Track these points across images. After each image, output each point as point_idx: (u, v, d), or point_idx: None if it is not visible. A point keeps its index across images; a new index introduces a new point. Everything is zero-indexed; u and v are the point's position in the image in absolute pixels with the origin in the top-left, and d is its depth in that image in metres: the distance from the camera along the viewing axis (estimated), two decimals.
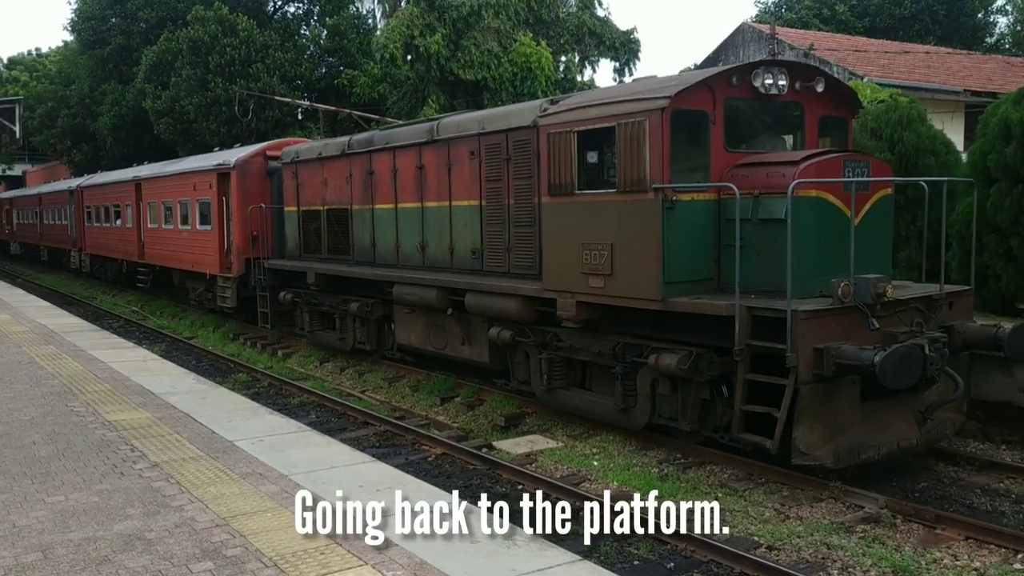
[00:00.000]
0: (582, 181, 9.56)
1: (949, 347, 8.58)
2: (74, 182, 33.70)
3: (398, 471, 6.75)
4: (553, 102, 10.40)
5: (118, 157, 38.51)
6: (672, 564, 6.80)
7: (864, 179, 8.55)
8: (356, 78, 32.79)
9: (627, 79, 33.44)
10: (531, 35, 30.23)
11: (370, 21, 40.10)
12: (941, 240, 9.76)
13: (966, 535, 7.16)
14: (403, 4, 39.93)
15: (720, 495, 8.23)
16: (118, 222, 26.20)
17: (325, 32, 36.06)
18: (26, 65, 66.56)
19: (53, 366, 10.86)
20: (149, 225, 23.35)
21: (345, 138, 15.26)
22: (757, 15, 45.98)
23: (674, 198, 8.65)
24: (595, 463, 9.26)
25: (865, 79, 23.84)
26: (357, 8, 39.79)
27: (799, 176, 8.19)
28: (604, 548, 6.97)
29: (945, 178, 10.97)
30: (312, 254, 15.79)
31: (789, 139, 9.95)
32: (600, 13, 33.88)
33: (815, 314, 7.87)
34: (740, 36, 31.06)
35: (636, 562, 6.87)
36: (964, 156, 15.52)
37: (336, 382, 14.28)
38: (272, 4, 37.92)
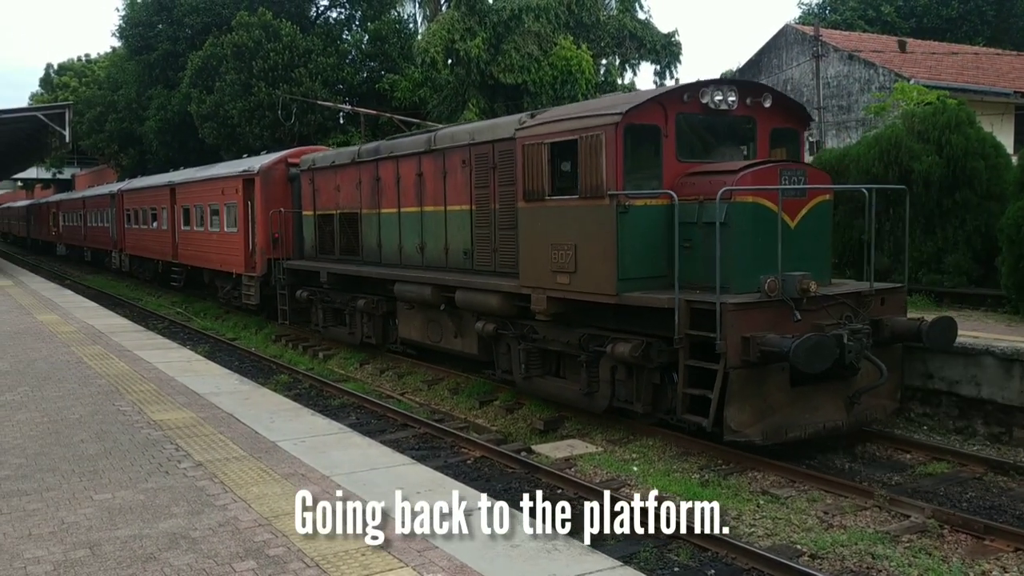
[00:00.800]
0: (552, 188, 10.47)
1: (880, 339, 9.53)
2: (115, 186, 35.14)
3: (438, 473, 6.76)
4: (532, 115, 11.37)
5: (163, 160, 39.17)
6: (713, 571, 6.73)
7: (798, 186, 9.47)
8: (397, 82, 33.00)
9: (668, 82, 33.27)
10: (572, 38, 30.19)
11: (411, 26, 40.39)
12: (871, 242, 10.60)
13: (1015, 547, 6.99)
14: (444, 8, 40.13)
15: (762, 502, 8.13)
16: (155, 224, 27.58)
17: (367, 37, 36.35)
18: (76, 71, 68.06)
19: (100, 366, 11.07)
20: (182, 227, 24.58)
21: (355, 147, 16.59)
22: (800, 17, 45.47)
23: (627, 203, 9.55)
24: (635, 468, 9.20)
25: (912, 81, 23.45)
26: (398, 13, 40.09)
27: (736, 184, 9.12)
28: (644, 554, 6.93)
29: (876, 185, 11.91)
30: (327, 255, 16.85)
31: (744, 150, 10.76)
32: (641, 16, 33.71)
33: (742, 307, 8.75)
34: (783, 38, 30.73)
35: (676, 568, 6.81)
36: (1014, 159, 15.19)
37: (376, 384, 14.37)
38: (315, 9, 38.34)
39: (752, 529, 7.54)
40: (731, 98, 10.30)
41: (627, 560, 6.28)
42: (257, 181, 19.28)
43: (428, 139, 13.63)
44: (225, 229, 21.18)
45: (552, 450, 10.01)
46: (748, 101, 10.49)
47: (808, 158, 16.61)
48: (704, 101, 10.17)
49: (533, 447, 10.21)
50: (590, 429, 10.83)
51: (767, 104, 10.59)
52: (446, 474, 6.99)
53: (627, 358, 9.70)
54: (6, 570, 4.82)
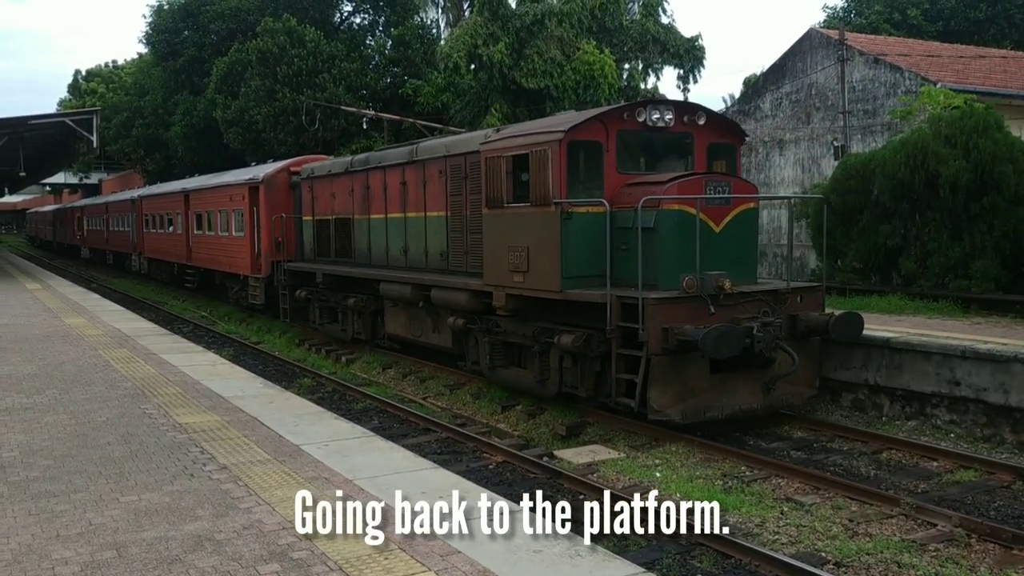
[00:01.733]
0: (509, 196, 11.63)
1: (796, 332, 10.62)
2: (135, 192, 37.00)
3: (460, 478, 6.76)
4: (497, 131, 12.71)
5: (189, 165, 39.54)
6: None
7: (722, 195, 10.53)
8: (420, 87, 33.09)
9: (691, 86, 33.19)
10: (594, 43, 30.17)
11: (434, 31, 40.51)
12: (790, 245, 13.55)
13: None
14: (467, 14, 40.25)
15: (786, 509, 8.07)
16: (170, 229, 29.10)
17: (390, 42, 36.52)
18: (103, 77, 68.90)
19: (127, 369, 11.18)
20: (195, 232, 26.07)
21: (348, 158, 18.00)
22: (825, 20, 45.16)
23: (570, 210, 10.68)
24: (658, 474, 9.17)
25: (939, 85, 23.21)
26: (422, 18, 40.23)
27: (664, 193, 10.26)
28: (666, 560, 6.90)
29: (798, 195, 14.48)
30: (323, 257, 18.26)
31: (684, 163, 11.79)
32: (664, 20, 33.64)
33: (662, 301, 9.89)
34: (807, 42, 30.51)
35: (699, 575, 6.78)
36: None
37: (398, 388, 14.41)
38: (339, 15, 38.55)
39: (776, 536, 7.48)
40: (668, 116, 11.42)
41: (650, 566, 6.27)
42: (261, 189, 20.56)
43: (410, 151, 14.85)
44: (233, 233, 22.50)
45: (574, 455, 9.99)
46: (685, 119, 11.63)
47: (839, 161, 16.58)
48: (642, 119, 11.27)
49: (555, 452, 10.20)
50: (612, 435, 10.81)
51: (701, 122, 11.69)
52: (468, 479, 6.99)
53: (571, 348, 10.78)
54: (35, 570, 4.89)
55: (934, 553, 7.04)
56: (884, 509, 7.93)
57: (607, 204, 10.38)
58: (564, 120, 11.44)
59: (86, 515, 5.72)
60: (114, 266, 40.99)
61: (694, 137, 11.75)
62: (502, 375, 12.67)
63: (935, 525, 7.54)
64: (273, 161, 23.74)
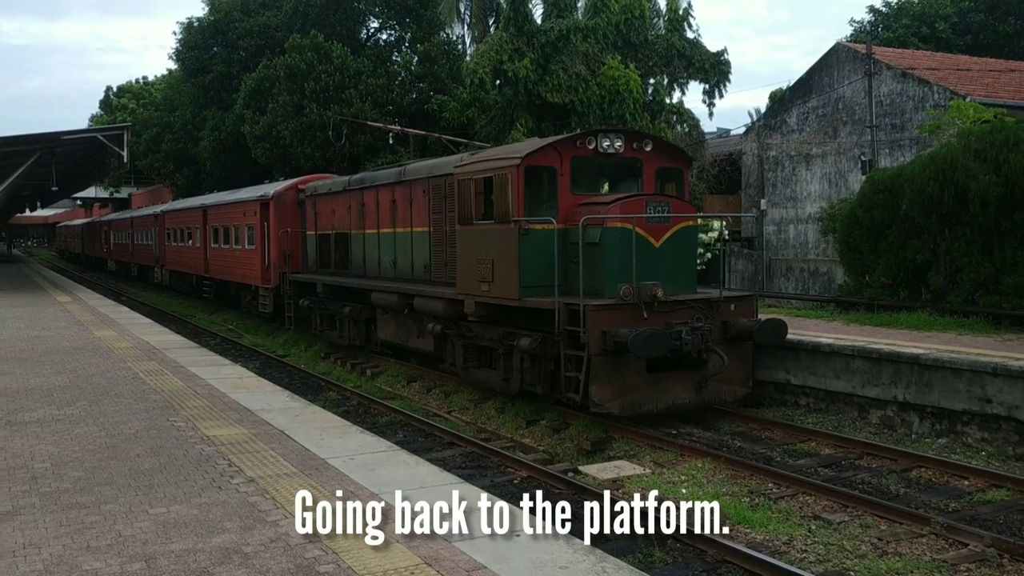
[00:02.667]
0: (477, 215, 12.89)
1: (728, 337, 11.80)
2: (158, 208, 38.65)
3: (486, 493, 6.75)
4: (472, 154, 14.15)
5: (217, 180, 39.97)
6: None
7: (661, 215, 11.74)
8: (446, 103, 33.27)
9: (717, 101, 33.13)
10: (620, 58, 30.20)
11: (460, 47, 40.78)
12: (724, 259, 13.31)
13: None
14: (493, 30, 40.50)
15: (814, 527, 7.99)
16: (190, 242, 30.53)
17: (416, 58, 36.77)
18: (134, 93, 69.90)
19: (155, 381, 11.29)
20: (212, 245, 27.45)
21: (347, 177, 19.46)
22: (852, 34, 44.93)
23: (527, 227, 11.94)
24: (683, 491, 9.10)
25: (968, 98, 23.02)
26: (448, 35, 40.54)
27: (608, 213, 11.54)
28: None
29: (728, 214, 16.48)
30: (324, 269, 19.61)
31: (635, 185, 12.97)
32: (690, 35, 33.61)
33: (601, 308, 11.11)
34: (834, 56, 30.38)
35: None
36: None
37: (423, 402, 14.44)
38: (365, 32, 38.91)
39: (804, 554, 7.41)
40: (617, 143, 12.65)
41: None
42: (271, 205, 21.92)
43: (399, 172, 16.33)
44: (246, 246, 23.89)
45: (599, 471, 9.95)
46: (634, 145, 12.85)
47: (867, 175, 16.49)
48: (593, 146, 12.51)
49: (580, 468, 10.16)
50: (638, 450, 10.76)
51: (648, 148, 12.93)
52: (493, 494, 6.98)
53: (529, 349, 12.11)
54: None
55: (965, 573, 6.94)
56: (914, 528, 7.82)
57: (554, 222, 11.76)
58: (523, 147, 12.95)
59: (116, 526, 5.77)
60: (138, 278, 42.33)
61: (643, 162, 12.94)
62: (474, 375, 13.95)
63: (967, 545, 7.43)
64: (284, 178, 24.31)
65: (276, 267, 21.80)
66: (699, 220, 13.18)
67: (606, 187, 13.40)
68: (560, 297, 11.43)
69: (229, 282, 26.18)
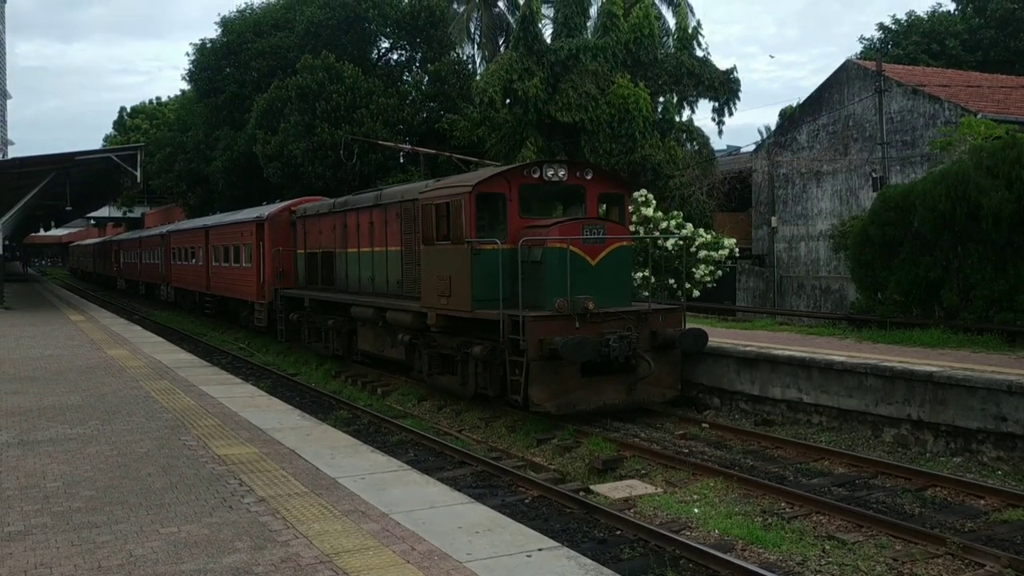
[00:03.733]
0: (437, 236, 14.33)
1: (656, 345, 13.16)
2: (164, 228, 40.36)
3: (497, 513, 6.71)
4: (437, 181, 15.75)
5: (229, 200, 40.22)
6: None
7: (596, 236, 13.10)
8: (456, 122, 33.42)
9: (726, 119, 33.16)
10: (629, 76, 30.29)
11: (470, 67, 40.98)
12: (649, 275, 16.04)
13: None
14: (503, 49, 40.71)
15: (828, 547, 7.91)
16: (193, 261, 31.90)
17: (427, 78, 37.00)
18: (147, 113, 70.56)
19: (167, 400, 11.31)
20: (213, 263, 28.85)
21: (332, 200, 21.06)
22: (862, 52, 44.97)
23: (478, 247, 13.28)
24: (696, 510, 9.04)
25: (979, 115, 22.97)
26: (458, 54, 40.75)
27: (547, 235, 12.98)
28: None
29: (658, 234, 18.41)
30: (312, 285, 21.32)
31: (580, 209, 14.32)
32: (699, 53, 33.70)
33: (538, 318, 12.49)
34: (845, 73, 30.40)
35: None
36: None
37: (433, 420, 14.41)
38: (376, 52, 39.19)
39: (818, 575, 7.33)
40: (561, 172, 14.11)
41: None
42: (266, 225, 23.31)
43: (376, 196, 17.81)
44: (244, 264, 25.30)
45: (611, 490, 9.90)
46: (577, 174, 14.33)
47: (878, 192, 16.44)
48: (537, 175, 13.97)
49: (591, 487, 10.12)
50: (650, 469, 10.70)
51: (589, 177, 14.40)
52: (504, 513, 6.95)
53: (480, 356, 13.38)
54: None
55: None
56: (930, 548, 7.73)
57: (499, 243, 13.10)
58: (475, 176, 14.34)
59: (127, 546, 5.77)
60: (146, 296, 43.80)
61: (586, 188, 14.39)
62: (437, 380, 15.22)
63: (983, 565, 7.34)
64: (278, 201, 24.72)
65: (270, 283, 23.11)
66: (634, 240, 14.97)
67: (560, 210, 14.64)
68: (504, 309, 12.69)
69: (229, 298, 27.61)
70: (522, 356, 12.44)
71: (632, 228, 23.79)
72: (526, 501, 9.67)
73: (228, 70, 40.93)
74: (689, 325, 14.01)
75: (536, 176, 13.98)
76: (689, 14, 39.31)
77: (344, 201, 19.66)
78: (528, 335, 12.33)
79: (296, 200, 24.39)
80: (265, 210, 24.56)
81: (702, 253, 24.01)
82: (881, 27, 45.44)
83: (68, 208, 37.69)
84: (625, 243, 13.84)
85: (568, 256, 12.62)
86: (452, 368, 14.76)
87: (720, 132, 47.93)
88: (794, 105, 32.98)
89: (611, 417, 13.19)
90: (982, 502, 9.11)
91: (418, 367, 15.82)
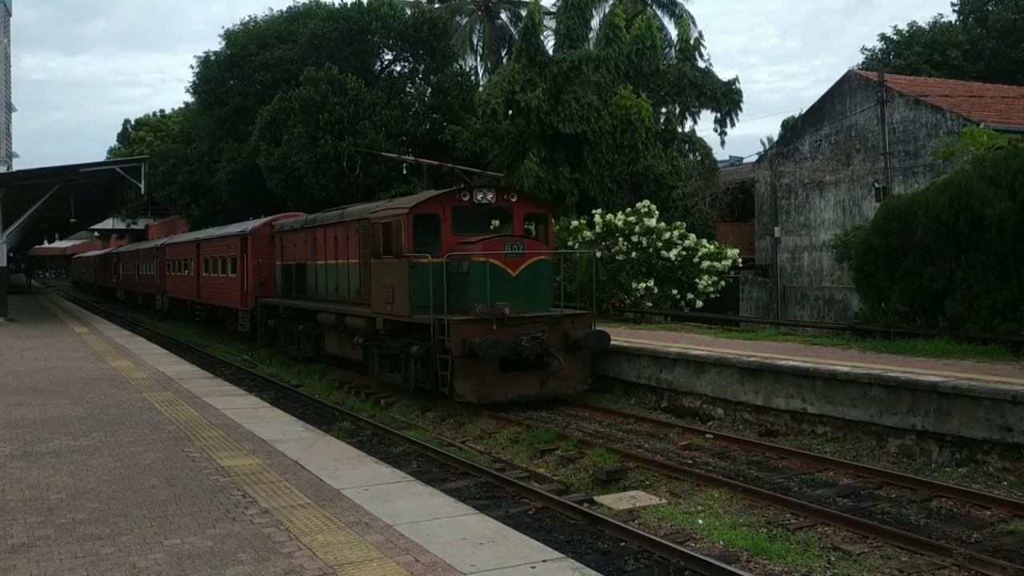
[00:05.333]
0: (383, 250, 16.40)
1: (568, 345, 15.13)
2: (159, 241, 42.54)
3: (500, 524, 6.70)
4: (389, 201, 18.60)
5: (233, 211, 40.27)
6: None
7: (516, 251, 15.19)
8: (459, 133, 33.48)
9: (729, 129, 33.17)
10: (631, 87, 30.33)
11: (473, 78, 41.10)
12: (562, 286, 17.55)
13: None
14: (505, 61, 40.82)
15: (833, 558, 7.88)
16: (186, 272, 33.94)
17: (430, 89, 37.09)
18: (151, 126, 70.80)
19: (171, 412, 11.31)
20: (203, 274, 30.80)
21: (304, 216, 23.38)
22: (864, 62, 45.05)
23: (415, 261, 15.24)
24: (700, 521, 9.01)
25: (981, 125, 22.98)
26: (460, 66, 40.87)
27: (473, 250, 15.03)
28: None
29: (569, 250, 21.52)
30: (288, 293, 23.32)
31: (507, 228, 16.50)
32: (701, 64, 33.76)
33: (461, 322, 14.47)
34: (847, 84, 30.46)
35: None
36: None
37: (436, 431, 14.40)
38: (379, 64, 39.31)
39: None
40: (490, 196, 16.27)
41: None
42: (249, 239, 25.30)
43: (340, 214, 19.89)
44: (230, 275, 27.21)
45: (614, 501, 9.87)
46: (504, 196, 16.59)
47: (881, 202, 16.37)
48: (468, 198, 16.06)
49: (595, 498, 10.09)
50: (654, 480, 10.67)
51: (514, 200, 16.65)
52: (508, 524, 6.93)
53: (418, 355, 15.41)
54: None
55: None
56: (936, 559, 7.70)
57: (429, 257, 14.99)
58: (414, 199, 16.83)
59: (130, 558, 5.76)
60: (142, 305, 45.76)
61: (512, 209, 16.49)
62: (386, 377, 17.30)
63: None
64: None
65: (253, 292, 25.07)
66: (552, 255, 16.87)
67: (495, 228, 16.80)
68: (436, 314, 14.62)
69: (217, 306, 29.80)
70: (448, 354, 14.36)
71: (636, 239, 23.86)
72: (530, 512, 9.64)
73: (232, 82, 41.07)
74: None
75: (467, 199, 16.05)
76: (691, 25, 39.50)
77: (315, 218, 21.72)
78: (452, 336, 14.31)
79: (277, 216, 26.39)
80: (249, 225, 26.70)
81: (705, 264, 24.00)
82: (883, 38, 45.56)
83: (72, 220, 37.81)
84: (543, 257, 15.82)
85: (488, 268, 14.69)
86: (398, 366, 16.71)
87: (722, 143, 48.00)
88: (796, 116, 33.01)
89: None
90: (988, 513, 9.07)
91: (371, 366, 17.86)
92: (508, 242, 15.27)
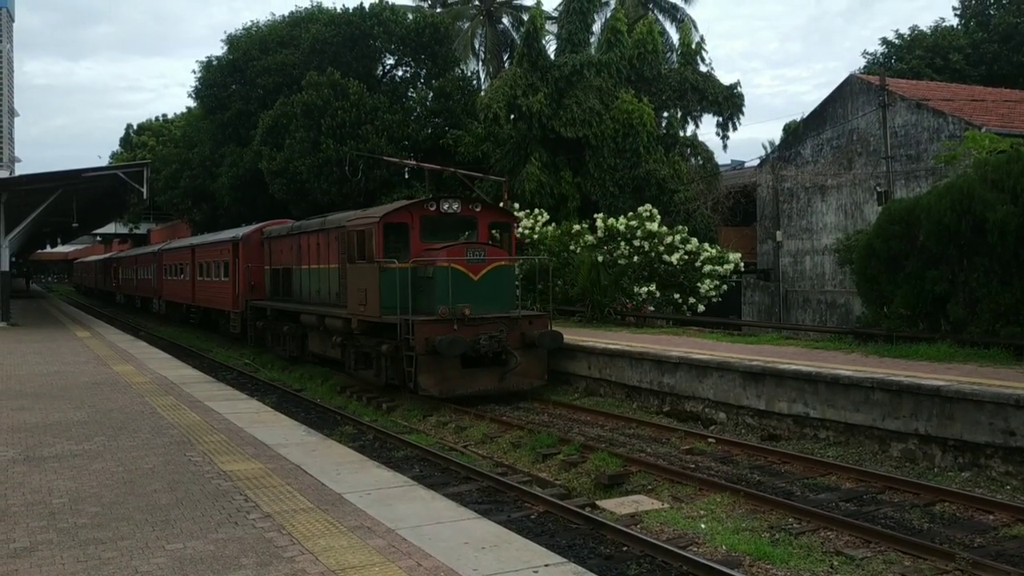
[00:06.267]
0: (358, 256, 17.53)
1: (526, 344, 16.28)
2: (156, 247, 43.81)
3: (503, 528, 6.69)
4: (364, 211, 19.30)
5: (235, 216, 40.32)
6: None
7: (478, 257, 16.34)
8: (461, 138, 33.51)
9: (730, 133, 33.20)
10: (633, 92, 30.36)
11: (475, 83, 41.13)
12: (520, 288, 19.24)
13: None
14: (507, 65, 40.85)
15: (836, 563, 7.86)
16: (181, 276, 35.07)
17: (431, 94, 37.13)
18: (154, 130, 70.79)
19: (173, 416, 11.31)
20: (198, 278, 31.95)
21: (291, 223, 24.68)
22: (865, 66, 45.06)
23: (384, 266, 16.39)
24: (703, 526, 9.00)
25: (983, 129, 22.97)
26: (462, 70, 40.91)
27: (437, 256, 16.16)
28: None
29: (528, 256, 22.72)
30: (275, 296, 24.45)
31: (473, 236, 17.57)
32: (703, 68, 33.78)
33: (424, 322, 15.59)
34: (848, 88, 30.47)
35: None
36: None
37: (438, 436, 14.38)
38: (381, 69, 39.35)
39: None
40: (456, 206, 17.47)
41: None
42: (240, 245, 26.43)
43: (321, 222, 21.04)
44: (222, 279, 28.35)
45: (617, 506, 9.86)
46: (470, 207, 17.78)
47: (883, 206, 16.34)
48: (434, 208, 17.25)
49: (598, 502, 10.07)
50: (656, 485, 10.66)
51: (478, 209, 17.89)
52: (510, 529, 6.92)
53: (387, 353, 16.60)
54: None
55: None
56: (939, 564, 7.68)
57: (396, 262, 16.21)
58: (385, 208, 17.94)
59: (132, 562, 5.76)
60: (141, 309, 46.98)
61: (478, 219, 17.77)
62: (361, 374, 18.53)
63: None
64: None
65: (243, 295, 26.25)
66: (514, 261, 18.28)
67: (466, 235, 17.73)
68: (402, 315, 15.74)
69: (211, 309, 30.98)
70: (413, 351, 15.50)
71: (638, 243, 23.86)
72: (532, 517, 9.63)
73: (234, 87, 41.13)
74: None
75: (434, 209, 17.25)
76: (692, 29, 39.57)
77: (299, 225, 22.98)
78: (416, 335, 15.41)
79: (267, 222, 27.42)
80: (240, 231, 27.83)
81: (707, 268, 24.00)
82: (884, 42, 45.56)
83: (75, 225, 37.82)
84: (504, 263, 16.95)
85: (451, 273, 15.74)
86: (371, 363, 17.87)
87: (724, 147, 48.10)
88: (798, 120, 33.02)
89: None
90: (991, 517, 9.04)
91: (348, 364, 19.09)
92: (470, 249, 16.42)
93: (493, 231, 18.03)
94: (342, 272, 18.85)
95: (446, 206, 17.29)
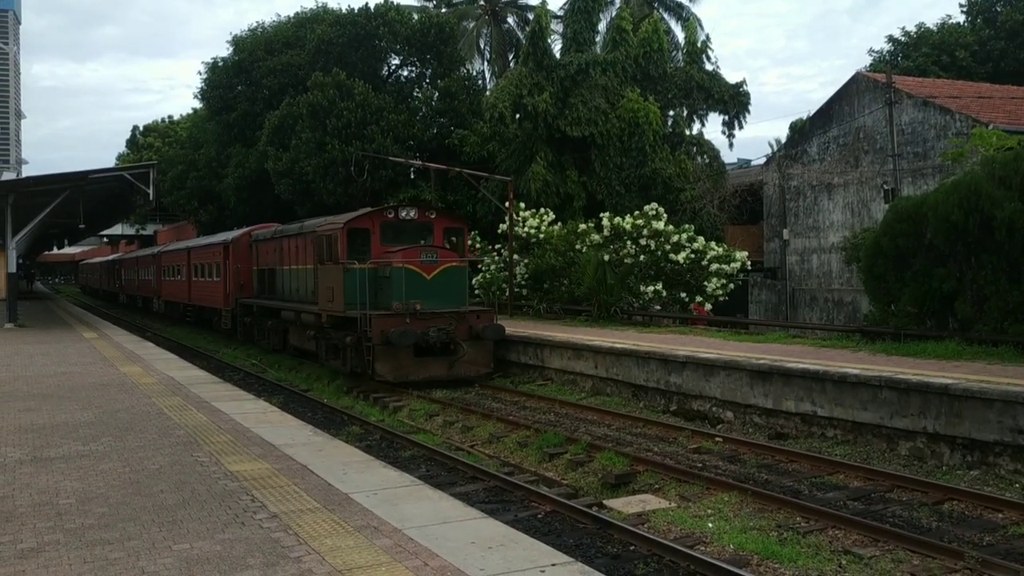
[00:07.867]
0: (327, 258, 19.74)
1: (473, 336, 18.32)
2: (155, 249, 46.62)
3: (510, 528, 6.67)
4: (336, 217, 21.24)
5: (241, 216, 40.36)
6: None
7: (430, 259, 18.44)
8: (466, 137, 33.48)
9: (736, 132, 33.13)
10: (638, 91, 30.31)
11: (480, 82, 41.11)
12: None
13: None
14: (512, 65, 40.83)
15: (844, 562, 7.83)
16: (179, 276, 37.26)
17: (437, 94, 37.10)
18: (160, 132, 70.98)
19: (180, 417, 11.32)
20: (194, 278, 34.23)
21: (275, 227, 26.74)
22: (872, 64, 44.92)
23: (348, 267, 18.50)
24: (710, 525, 8.97)
25: (991, 126, 22.87)
26: (468, 70, 40.88)
27: (394, 258, 18.35)
28: None
29: (474, 257, 24.59)
30: (263, 295, 26.50)
31: (429, 239, 19.73)
32: (708, 67, 33.71)
33: (381, 316, 17.68)
34: (854, 86, 30.37)
35: None
36: None
37: (445, 435, 14.38)
38: (386, 69, 39.36)
39: None
40: (413, 213, 19.88)
41: None
42: (231, 247, 28.57)
43: (300, 227, 23.08)
44: (214, 279, 30.47)
45: (624, 505, 9.84)
46: (426, 213, 20.23)
47: (890, 204, 16.23)
48: (393, 215, 19.63)
49: (605, 502, 10.06)
50: (663, 484, 10.63)
51: (433, 216, 20.24)
52: (517, 528, 6.90)
53: (350, 344, 18.57)
54: None
55: None
56: (947, 563, 7.64)
57: (357, 263, 18.32)
58: (349, 216, 20.11)
59: (139, 563, 5.75)
60: (142, 309, 49.15)
61: (433, 224, 19.97)
62: (331, 363, 20.56)
63: None
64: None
65: (233, 294, 28.43)
66: (465, 262, 19.87)
67: (424, 240, 19.57)
68: (362, 310, 17.75)
69: (204, 307, 33.21)
70: (371, 342, 17.47)
71: (645, 242, 23.83)
72: (539, 516, 9.61)
73: (240, 88, 41.18)
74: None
75: (392, 216, 19.58)
76: (698, 28, 39.43)
77: (282, 230, 25.13)
78: (373, 327, 17.50)
79: (255, 227, 29.36)
80: (230, 235, 30.00)
81: (714, 267, 23.95)
82: (891, 39, 45.44)
83: (82, 226, 37.89)
84: (455, 264, 18.89)
85: (405, 273, 17.93)
86: (338, 354, 19.81)
87: (730, 145, 48.07)
88: (804, 118, 32.94)
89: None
90: (1000, 515, 9.00)
91: (320, 354, 21.16)
92: (424, 251, 18.53)
93: (449, 236, 20.14)
94: (316, 272, 20.80)
95: (404, 213, 19.65)
